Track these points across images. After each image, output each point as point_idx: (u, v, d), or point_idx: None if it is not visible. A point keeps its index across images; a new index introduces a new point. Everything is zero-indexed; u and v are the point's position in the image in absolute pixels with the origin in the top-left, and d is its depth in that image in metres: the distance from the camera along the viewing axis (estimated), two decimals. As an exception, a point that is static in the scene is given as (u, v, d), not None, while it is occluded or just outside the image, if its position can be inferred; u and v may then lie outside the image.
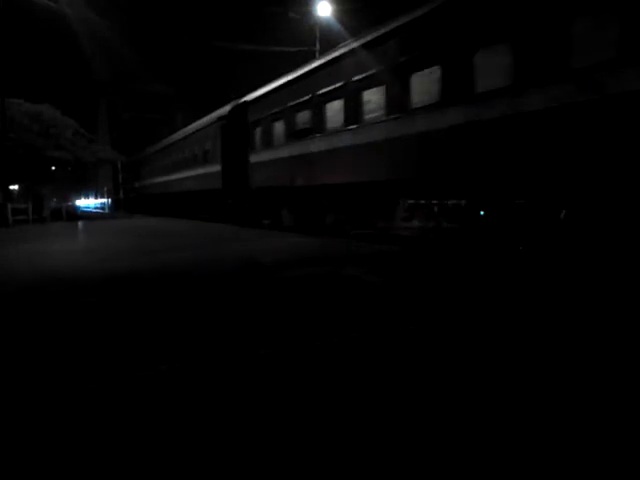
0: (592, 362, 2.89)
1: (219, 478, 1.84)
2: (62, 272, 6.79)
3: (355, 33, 13.03)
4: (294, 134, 13.26)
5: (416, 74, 9.05)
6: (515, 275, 5.91)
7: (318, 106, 12.11)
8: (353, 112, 10.73)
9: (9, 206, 19.88)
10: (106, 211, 47.77)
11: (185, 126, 27.00)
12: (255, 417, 2.25)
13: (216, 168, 18.16)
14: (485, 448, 1.98)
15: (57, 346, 3.39)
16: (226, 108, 17.80)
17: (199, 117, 23.94)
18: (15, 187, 30.55)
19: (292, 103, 13.29)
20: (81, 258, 8.57)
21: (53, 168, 30.81)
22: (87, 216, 30.53)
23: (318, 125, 12.14)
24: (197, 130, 21.60)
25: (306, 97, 12.61)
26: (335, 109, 11.46)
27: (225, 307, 4.50)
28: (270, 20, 31.71)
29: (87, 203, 64.91)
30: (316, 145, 12.19)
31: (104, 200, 55.50)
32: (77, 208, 32.22)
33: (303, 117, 12.88)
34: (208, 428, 2.16)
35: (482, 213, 8.25)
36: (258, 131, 15.65)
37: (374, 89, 10.13)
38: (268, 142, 14.90)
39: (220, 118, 17.99)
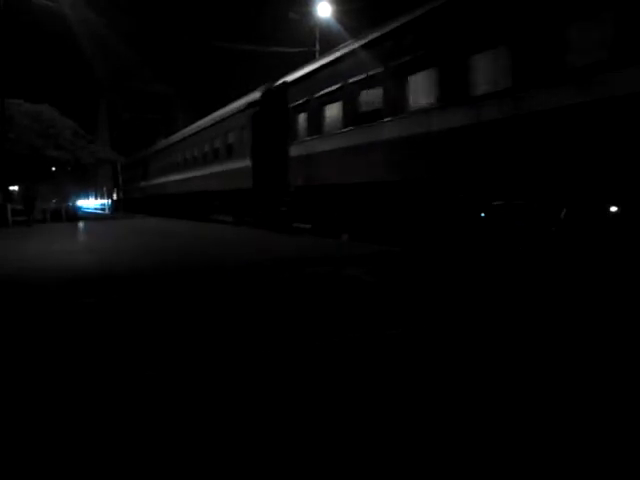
0: (585, 363, 2.84)
1: (220, 476, 1.82)
2: (63, 272, 6.77)
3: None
4: (357, 118, 10.68)
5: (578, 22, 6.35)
6: (514, 276, 5.89)
7: (394, 80, 9.53)
8: (453, 85, 8.14)
9: (9, 207, 19.87)
10: (106, 212, 47.74)
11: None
12: (255, 417, 2.21)
13: (243, 164, 15.68)
14: (484, 448, 1.92)
15: (61, 347, 3.36)
16: (256, 94, 15.24)
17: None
18: (15, 188, 30.55)
19: (354, 79, 10.67)
20: (81, 258, 8.56)
21: (53, 169, 30.82)
22: (87, 217, 30.49)
23: (394, 105, 9.55)
24: (218, 121, 18.84)
25: (376, 70, 10.02)
26: (420, 82, 8.95)
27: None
28: (270, 20, 31.76)
29: (87, 204, 64.87)
30: (391, 130, 9.59)
31: (104, 201, 55.48)
32: (78, 208, 32.14)
33: (370, 96, 10.27)
34: (209, 426, 2.11)
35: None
36: (302, 118, 12.98)
37: (487, 53, 7.54)
38: (317, 130, 12.24)
39: (250, 105, 15.33)
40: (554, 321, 3.78)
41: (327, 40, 23.24)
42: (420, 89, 8.98)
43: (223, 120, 18.16)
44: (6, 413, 2.40)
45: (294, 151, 13.36)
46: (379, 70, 9.96)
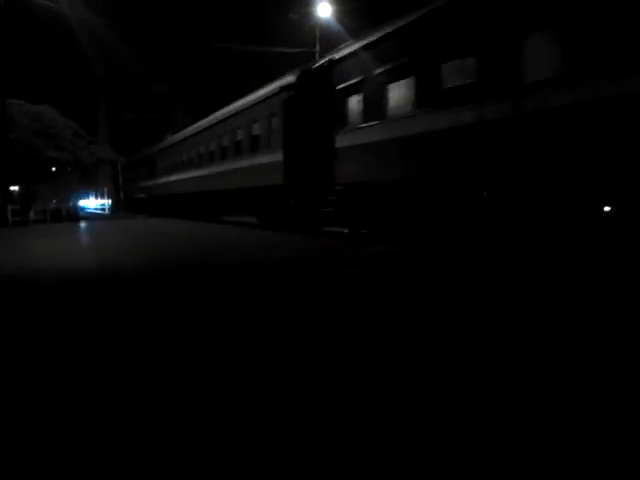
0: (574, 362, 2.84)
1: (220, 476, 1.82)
2: (63, 272, 6.76)
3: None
4: (439, 96, 8.52)
5: None
6: (516, 276, 5.88)
7: (504, 40, 7.33)
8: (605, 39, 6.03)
9: (9, 207, 19.89)
10: (106, 212, 47.72)
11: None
12: (257, 415, 2.20)
13: (272, 158, 13.73)
14: (483, 447, 1.90)
15: (62, 346, 3.35)
16: (290, 77, 13.18)
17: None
18: (15, 188, 30.57)
19: (432, 47, 8.64)
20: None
21: (53, 169, 30.83)
22: (88, 217, 30.47)
23: (499, 75, 7.43)
24: (239, 111, 16.80)
25: (473, 31, 7.86)
26: (540, 42, 6.85)
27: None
28: (270, 21, 31.80)
29: (87, 204, 64.81)
30: (496, 108, 7.42)
31: (105, 201, 55.46)
32: (79, 209, 32.12)
33: (460, 67, 8.14)
34: (212, 427, 2.11)
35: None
36: (354, 100, 10.92)
37: None
38: (377, 114, 10.09)
39: (282, 89, 13.26)
40: (554, 320, 3.77)
41: (327, 40, 23.29)
42: (537, 53, 6.89)
43: (247, 109, 16.05)
44: (6, 412, 2.40)
45: (343, 141, 11.23)
46: (477, 31, 7.79)
